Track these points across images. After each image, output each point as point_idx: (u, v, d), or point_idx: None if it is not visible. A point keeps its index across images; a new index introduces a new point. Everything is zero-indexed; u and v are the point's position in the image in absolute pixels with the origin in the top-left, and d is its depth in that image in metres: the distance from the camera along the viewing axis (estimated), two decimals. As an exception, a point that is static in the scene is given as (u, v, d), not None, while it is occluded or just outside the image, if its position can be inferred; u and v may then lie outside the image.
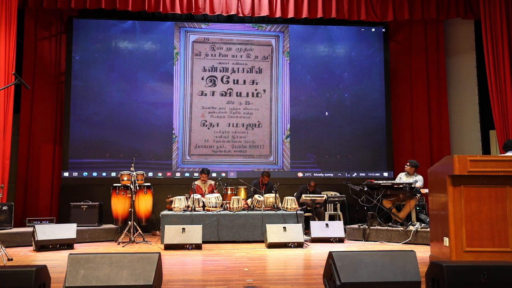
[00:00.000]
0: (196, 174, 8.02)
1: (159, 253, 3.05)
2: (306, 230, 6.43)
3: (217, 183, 7.23)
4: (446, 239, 3.93)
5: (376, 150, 8.47)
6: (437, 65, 8.45)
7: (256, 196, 6.68)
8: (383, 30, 8.64)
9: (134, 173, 6.34)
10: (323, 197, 7.26)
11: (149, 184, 6.94)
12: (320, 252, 5.40)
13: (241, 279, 3.80)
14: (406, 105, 8.62)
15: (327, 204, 7.64)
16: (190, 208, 6.35)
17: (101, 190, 7.39)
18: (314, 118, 8.43)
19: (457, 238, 3.83)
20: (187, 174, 8.12)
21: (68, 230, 5.74)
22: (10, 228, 6.22)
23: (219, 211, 6.36)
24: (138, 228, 6.24)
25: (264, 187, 7.30)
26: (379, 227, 6.38)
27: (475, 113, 8.19)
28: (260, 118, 8.37)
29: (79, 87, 8.02)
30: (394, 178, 7.86)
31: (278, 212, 6.39)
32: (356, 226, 6.62)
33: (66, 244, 5.70)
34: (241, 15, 7.37)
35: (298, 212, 6.39)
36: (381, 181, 6.59)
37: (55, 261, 4.74)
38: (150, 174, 7.88)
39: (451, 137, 8.35)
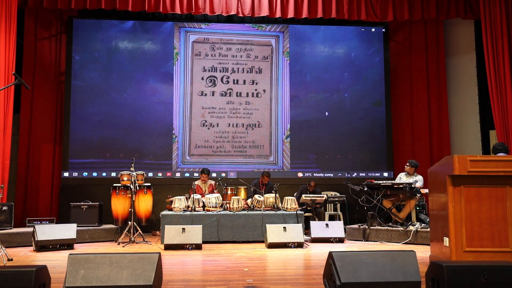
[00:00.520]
0: (196, 174, 8.02)
1: (159, 253, 3.05)
2: (306, 230, 6.43)
3: (217, 183, 7.23)
4: (446, 239, 3.93)
5: (376, 150, 8.47)
6: (437, 65, 8.45)
7: (256, 196, 6.68)
8: (383, 30, 8.64)
9: (134, 173, 6.34)
10: (323, 197, 7.25)
11: (149, 184, 6.93)
12: (320, 252, 5.40)
13: (241, 279, 3.80)
14: (406, 105, 8.62)
15: (327, 204, 7.64)
16: (190, 208, 6.34)
17: (101, 190, 7.38)
18: (314, 118, 8.43)
19: (457, 238, 3.83)
20: (187, 174, 8.12)
21: (68, 230, 5.74)
22: (10, 228, 6.21)
23: (219, 211, 6.35)
24: (138, 228, 6.24)
25: (264, 187, 7.30)
26: (379, 227, 6.38)
27: (475, 113, 8.19)
28: (260, 118, 8.37)
29: (79, 87, 8.02)
30: (394, 178, 7.86)
31: (278, 212, 6.39)
32: (356, 226, 6.63)
33: (66, 244, 5.70)
34: (241, 15, 7.37)
35: (298, 212, 6.39)
36: (381, 181, 6.59)
37: (55, 261, 4.74)
38: (150, 174, 7.88)
39: (451, 137, 8.35)
